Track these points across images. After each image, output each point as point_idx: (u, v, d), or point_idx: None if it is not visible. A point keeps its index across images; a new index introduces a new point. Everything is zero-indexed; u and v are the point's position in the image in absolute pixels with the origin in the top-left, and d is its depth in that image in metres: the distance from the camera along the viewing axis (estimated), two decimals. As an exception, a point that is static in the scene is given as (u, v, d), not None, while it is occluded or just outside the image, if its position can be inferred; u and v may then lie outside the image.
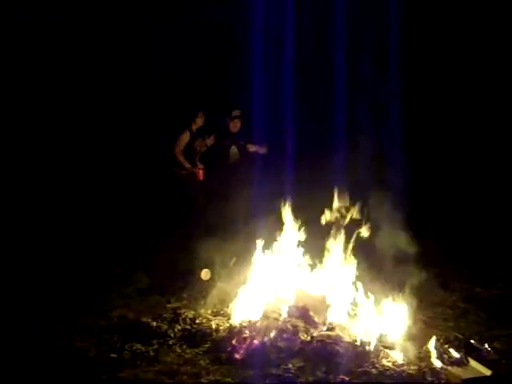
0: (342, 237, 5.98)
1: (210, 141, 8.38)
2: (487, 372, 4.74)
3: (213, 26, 10.24)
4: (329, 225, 6.04)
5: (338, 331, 5.28)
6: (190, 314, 5.72)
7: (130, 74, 10.32)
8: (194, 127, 8.29)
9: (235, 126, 8.43)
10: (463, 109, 10.03)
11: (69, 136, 9.91)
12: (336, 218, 6.04)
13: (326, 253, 6.02)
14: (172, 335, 5.32)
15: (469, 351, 5.02)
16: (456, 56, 10.15)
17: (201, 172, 8.27)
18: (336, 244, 5.97)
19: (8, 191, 8.73)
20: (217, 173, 8.25)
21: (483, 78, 10.00)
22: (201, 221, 7.85)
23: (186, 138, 8.29)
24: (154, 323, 5.49)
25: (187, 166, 8.19)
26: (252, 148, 8.35)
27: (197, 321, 5.58)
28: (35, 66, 9.77)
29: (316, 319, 5.44)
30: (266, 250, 6.13)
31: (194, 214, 7.95)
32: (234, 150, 8.40)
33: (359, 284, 5.83)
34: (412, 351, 5.02)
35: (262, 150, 8.42)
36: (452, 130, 9.81)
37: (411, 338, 5.24)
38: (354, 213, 6.05)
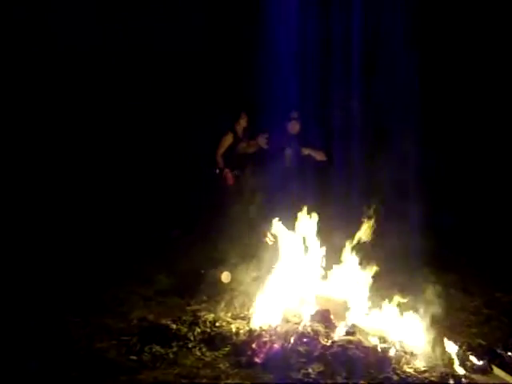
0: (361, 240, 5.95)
1: (262, 142, 8.30)
2: (511, 379, 4.67)
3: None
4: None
5: (358, 336, 5.23)
6: (210, 316, 5.71)
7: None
8: (238, 128, 8.28)
9: (294, 127, 8.40)
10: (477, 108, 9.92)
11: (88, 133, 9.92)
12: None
13: (345, 256, 6.00)
14: (192, 338, 5.30)
15: (492, 358, 4.95)
16: (467, 54, 10.05)
17: (229, 176, 8.24)
18: (355, 248, 5.95)
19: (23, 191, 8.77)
20: (266, 174, 8.19)
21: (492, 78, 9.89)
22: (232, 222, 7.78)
23: (229, 139, 8.30)
24: (174, 326, 5.48)
25: (220, 167, 8.21)
26: (306, 151, 8.28)
27: (217, 324, 5.56)
28: (44, 67, 9.81)
29: (337, 323, 5.40)
30: (288, 253, 6.10)
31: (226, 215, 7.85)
32: (288, 151, 8.35)
33: (379, 288, 5.81)
34: (434, 358, 4.95)
35: (319, 156, 8.35)
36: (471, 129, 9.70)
37: (433, 344, 5.17)
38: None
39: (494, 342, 5.33)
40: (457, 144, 9.21)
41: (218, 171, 8.43)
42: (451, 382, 4.60)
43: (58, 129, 9.69)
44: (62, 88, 9.85)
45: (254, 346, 5.11)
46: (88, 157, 9.82)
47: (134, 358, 4.98)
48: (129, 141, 10.08)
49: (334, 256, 6.05)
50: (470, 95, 9.99)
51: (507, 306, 6.30)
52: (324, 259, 6.07)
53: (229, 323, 5.60)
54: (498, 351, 5.09)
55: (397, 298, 5.63)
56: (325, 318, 5.47)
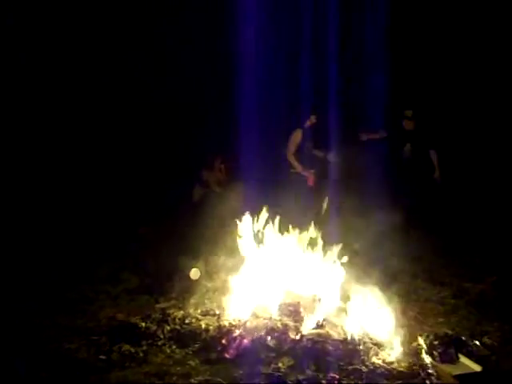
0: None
1: (331, 157, 8.33)
2: (477, 368, 4.74)
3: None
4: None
5: (327, 329, 5.28)
6: (179, 313, 5.69)
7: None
8: (308, 126, 8.30)
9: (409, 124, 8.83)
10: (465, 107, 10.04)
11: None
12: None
13: (312, 249, 6.03)
14: (161, 336, 5.28)
15: (459, 347, 5.01)
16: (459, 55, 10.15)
17: (311, 178, 8.26)
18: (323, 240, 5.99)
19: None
20: None
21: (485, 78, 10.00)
22: None
23: (298, 136, 8.31)
24: (143, 324, 5.45)
25: (299, 169, 8.22)
26: None
27: (186, 321, 5.54)
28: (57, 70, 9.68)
29: (306, 317, 5.42)
30: (257, 248, 6.11)
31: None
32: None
33: (348, 281, 5.85)
34: (402, 348, 5.01)
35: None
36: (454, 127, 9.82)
37: (401, 334, 5.22)
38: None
39: (461, 332, 5.41)
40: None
41: (292, 172, 8.48)
42: (419, 371, 4.66)
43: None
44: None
45: (223, 341, 5.12)
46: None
47: (104, 357, 4.95)
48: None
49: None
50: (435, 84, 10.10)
51: (474, 296, 6.38)
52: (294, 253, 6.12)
53: (198, 320, 5.58)
54: (465, 340, 5.16)
55: (365, 290, 5.68)
56: (294, 312, 5.51)
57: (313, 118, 8.49)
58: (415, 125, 8.95)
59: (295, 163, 8.50)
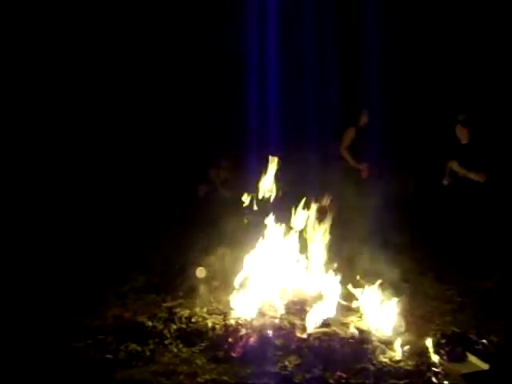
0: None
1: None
2: (485, 366, 4.73)
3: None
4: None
5: (334, 328, 5.27)
6: (186, 312, 5.69)
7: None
8: (360, 124, 8.38)
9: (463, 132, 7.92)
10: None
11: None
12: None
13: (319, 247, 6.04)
14: (168, 335, 5.28)
15: (466, 346, 5.00)
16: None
17: (366, 171, 8.36)
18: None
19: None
20: None
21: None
22: None
23: (350, 134, 8.39)
24: (150, 323, 5.45)
25: (352, 162, 8.29)
26: None
27: (192, 320, 5.54)
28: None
29: (312, 316, 5.42)
30: (263, 247, 6.11)
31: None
32: None
33: (355, 279, 5.86)
34: (409, 347, 5.00)
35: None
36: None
37: (409, 333, 5.22)
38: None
39: (468, 330, 5.39)
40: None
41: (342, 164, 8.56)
42: (426, 370, 4.65)
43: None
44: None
45: (230, 340, 5.12)
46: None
47: (110, 356, 4.94)
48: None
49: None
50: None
51: (481, 295, 6.36)
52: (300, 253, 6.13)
53: (205, 318, 5.58)
54: (473, 338, 5.15)
55: (372, 288, 5.67)
56: (301, 310, 5.51)
57: (364, 118, 8.52)
58: (470, 134, 7.88)
59: (348, 157, 8.59)
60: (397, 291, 5.70)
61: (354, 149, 8.68)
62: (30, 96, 9.29)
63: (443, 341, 5.05)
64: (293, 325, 5.30)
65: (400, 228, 7.57)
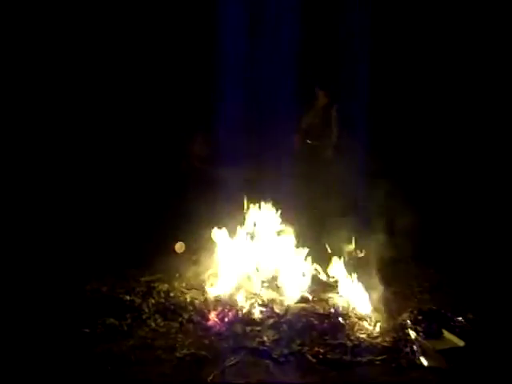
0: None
1: None
2: (461, 343, 4.77)
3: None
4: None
5: (312, 303, 5.30)
6: (164, 287, 5.70)
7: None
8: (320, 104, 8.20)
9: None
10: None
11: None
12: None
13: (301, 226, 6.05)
14: (146, 309, 5.27)
15: (443, 322, 5.05)
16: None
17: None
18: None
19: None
20: None
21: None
22: None
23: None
24: (128, 297, 5.45)
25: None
26: None
27: (171, 294, 5.55)
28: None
29: (291, 292, 5.44)
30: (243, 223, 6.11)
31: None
32: None
33: (334, 256, 5.88)
34: (387, 323, 5.05)
35: None
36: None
37: (386, 310, 5.26)
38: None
39: (445, 307, 5.43)
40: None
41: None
42: (403, 346, 4.68)
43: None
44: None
45: (208, 315, 5.12)
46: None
47: (88, 330, 4.92)
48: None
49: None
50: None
51: (459, 273, 6.41)
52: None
53: (183, 293, 5.59)
54: (449, 316, 5.20)
55: (351, 265, 5.71)
56: (280, 286, 5.54)
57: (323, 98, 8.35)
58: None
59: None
60: (375, 268, 5.71)
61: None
62: (21, 95, 9.11)
63: (420, 317, 5.09)
64: (271, 300, 5.31)
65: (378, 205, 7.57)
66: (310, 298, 5.44)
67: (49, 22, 8.95)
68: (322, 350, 4.60)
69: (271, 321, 5.02)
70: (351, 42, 9.49)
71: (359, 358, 4.54)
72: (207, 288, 5.66)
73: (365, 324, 5.03)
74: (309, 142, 8.22)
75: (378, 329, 4.97)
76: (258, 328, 4.93)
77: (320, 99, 8.28)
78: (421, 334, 4.89)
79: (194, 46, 9.59)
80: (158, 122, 9.16)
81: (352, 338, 4.81)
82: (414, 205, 7.18)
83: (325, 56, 9.24)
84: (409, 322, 5.02)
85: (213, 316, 5.12)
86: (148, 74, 9.42)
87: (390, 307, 5.35)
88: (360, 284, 5.46)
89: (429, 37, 9.40)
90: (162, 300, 5.44)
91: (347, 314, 5.13)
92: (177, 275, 6.04)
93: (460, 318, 5.19)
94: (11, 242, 6.73)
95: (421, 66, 9.41)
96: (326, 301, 5.39)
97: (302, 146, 8.27)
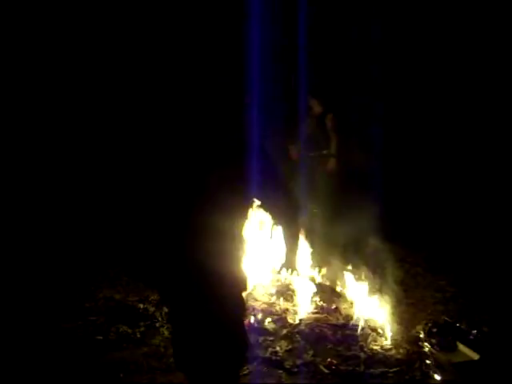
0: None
1: None
2: (475, 356, 4.73)
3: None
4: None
5: (326, 314, 5.27)
6: (178, 295, 5.68)
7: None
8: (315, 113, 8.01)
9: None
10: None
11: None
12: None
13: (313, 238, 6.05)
14: (159, 317, 5.27)
15: (457, 335, 5.01)
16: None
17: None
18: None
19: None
20: None
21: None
22: None
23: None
24: (141, 305, 5.47)
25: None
26: None
27: (184, 303, 5.54)
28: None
29: (305, 302, 5.42)
30: (258, 230, 6.10)
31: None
32: None
33: (346, 266, 5.87)
34: (401, 335, 5.01)
35: None
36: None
37: (400, 321, 5.23)
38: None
39: (460, 320, 5.39)
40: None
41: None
42: (417, 358, 4.65)
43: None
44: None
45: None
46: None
47: (101, 338, 4.94)
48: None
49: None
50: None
51: (473, 285, 6.37)
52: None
53: (197, 302, 5.57)
54: (464, 328, 5.16)
55: (364, 277, 5.68)
56: (293, 295, 5.52)
57: (317, 107, 8.16)
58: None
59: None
60: (389, 279, 5.69)
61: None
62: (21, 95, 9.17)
63: (434, 330, 5.05)
64: (285, 310, 5.30)
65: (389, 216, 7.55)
66: (325, 308, 5.42)
67: (49, 21, 9.02)
68: (334, 361, 4.57)
69: (284, 331, 5.00)
70: (347, 48, 9.47)
71: (372, 370, 4.51)
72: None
73: (378, 336, 5.00)
74: (310, 154, 8.07)
75: (391, 341, 4.93)
76: (271, 338, 4.90)
77: (314, 108, 8.07)
78: (435, 346, 4.85)
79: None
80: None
81: (365, 349, 4.77)
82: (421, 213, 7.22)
83: (320, 61, 9.18)
84: (423, 334, 4.98)
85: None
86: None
87: (405, 319, 5.31)
88: (374, 295, 5.44)
89: (426, 44, 9.44)
90: (175, 308, 5.43)
91: (361, 325, 5.10)
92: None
93: (475, 331, 5.15)
94: (21, 247, 6.78)
95: (419, 72, 9.45)
96: (340, 311, 5.36)
97: (302, 158, 8.12)
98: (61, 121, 8.99)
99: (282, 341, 4.87)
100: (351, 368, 4.52)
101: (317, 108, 8.01)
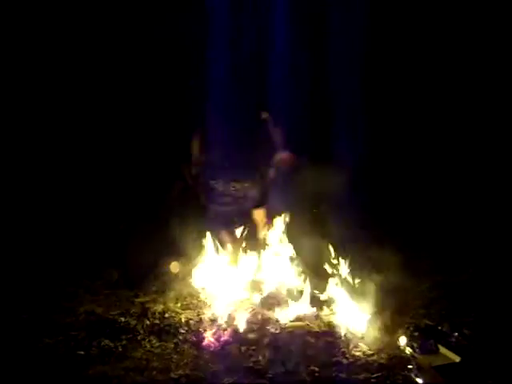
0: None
1: None
2: (457, 358, 4.77)
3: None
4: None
5: (307, 322, 5.29)
6: (159, 308, 5.67)
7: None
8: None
9: None
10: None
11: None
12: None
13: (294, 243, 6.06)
14: (141, 330, 5.25)
15: (438, 338, 5.04)
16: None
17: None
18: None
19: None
20: None
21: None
22: None
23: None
24: (122, 318, 5.44)
25: None
26: None
27: (166, 315, 5.53)
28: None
29: (286, 310, 5.43)
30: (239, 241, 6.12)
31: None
32: None
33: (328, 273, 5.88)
34: (382, 340, 5.03)
35: None
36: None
37: (382, 326, 5.24)
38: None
39: (441, 323, 5.43)
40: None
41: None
42: (399, 363, 4.67)
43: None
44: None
45: (203, 335, 5.11)
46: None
47: (82, 352, 4.90)
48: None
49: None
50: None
51: (453, 288, 6.40)
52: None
53: (178, 314, 5.57)
54: (445, 331, 5.20)
55: (345, 281, 5.70)
56: (275, 304, 5.53)
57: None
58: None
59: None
60: (369, 285, 5.70)
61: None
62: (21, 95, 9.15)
63: (416, 333, 5.09)
64: (266, 319, 5.30)
65: (370, 220, 7.59)
66: (306, 316, 5.43)
67: (49, 22, 9.03)
68: (317, 369, 4.58)
69: (266, 340, 5.01)
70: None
71: (354, 376, 4.53)
72: (202, 308, 5.65)
73: (360, 341, 5.01)
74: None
75: (373, 346, 4.95)
76: (253, 347, 4.91)
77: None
78: (417, 350, 4.88)
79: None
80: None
81: (347, 355, 4.80)
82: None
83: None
84: (404, 338, 5.01)
85: (208, 336, 5.10)
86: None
87: (385, 323, 5.32)
88: (355, 301, 5.46)
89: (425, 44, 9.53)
90: (157, 321, 5.42)
91: (342, 331, 5.12)
92: (172, 296, 6.01)
93: (456, 334, 5.19)
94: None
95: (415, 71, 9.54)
96: (321, 318, 5.37)
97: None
98: (57, 123, 9.00)
99: (264, 350, 4.87)
100: (334, 374, 4.54)
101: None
